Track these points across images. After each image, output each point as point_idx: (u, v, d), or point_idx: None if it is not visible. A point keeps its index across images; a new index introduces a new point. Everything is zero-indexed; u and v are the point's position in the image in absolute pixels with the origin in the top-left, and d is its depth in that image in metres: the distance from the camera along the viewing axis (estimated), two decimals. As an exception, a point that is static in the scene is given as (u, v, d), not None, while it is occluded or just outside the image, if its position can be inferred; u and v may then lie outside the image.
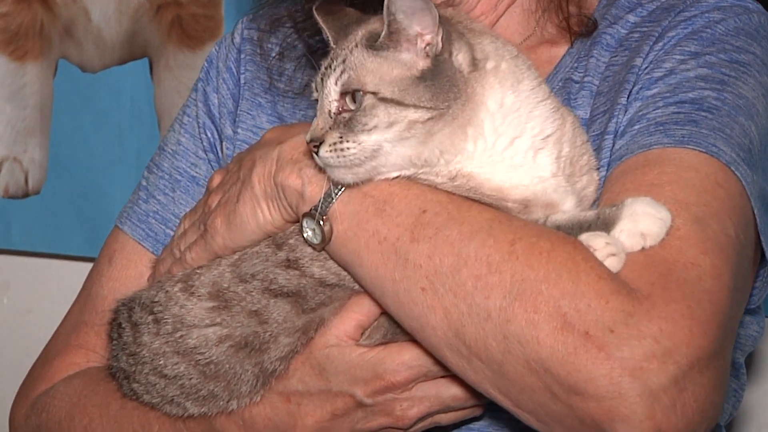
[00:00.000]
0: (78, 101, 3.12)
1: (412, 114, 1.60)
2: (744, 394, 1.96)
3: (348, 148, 1.60)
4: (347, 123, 1.60)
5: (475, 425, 1.77)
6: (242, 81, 2.07)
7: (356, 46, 1.64)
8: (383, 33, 1.61)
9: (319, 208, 1.65)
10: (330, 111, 1.62)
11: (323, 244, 1.66)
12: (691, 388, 1.47)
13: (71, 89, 3.13)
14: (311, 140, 1.61)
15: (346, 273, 1.68)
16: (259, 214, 1.72)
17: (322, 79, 1.65)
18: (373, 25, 1.67)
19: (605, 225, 1.59)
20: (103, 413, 1.86)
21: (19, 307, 3.27)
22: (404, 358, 1.66)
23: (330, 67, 1.64)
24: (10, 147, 3.15)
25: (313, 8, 1.72)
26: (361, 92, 1.61)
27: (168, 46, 3.07)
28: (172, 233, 1.98)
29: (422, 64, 1.62)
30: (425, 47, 1.62)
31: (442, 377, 1.67)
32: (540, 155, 1.66)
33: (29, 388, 2.03)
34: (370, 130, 1.60)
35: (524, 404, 1.54)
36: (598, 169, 1.74)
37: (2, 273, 3.29)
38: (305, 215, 1.66)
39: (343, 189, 1.64)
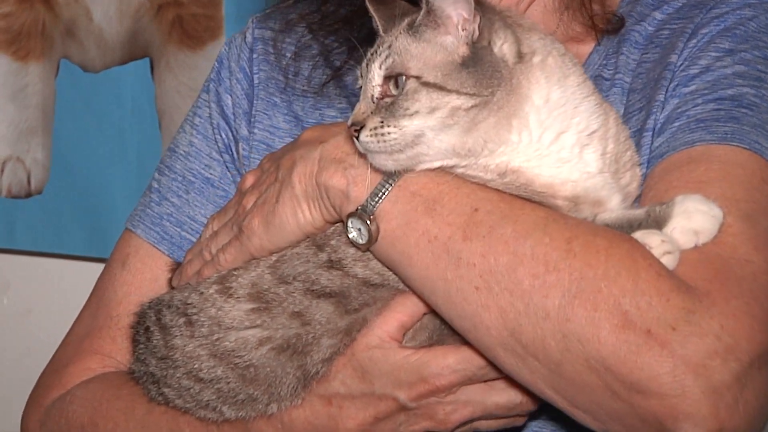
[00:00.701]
0: (79, 101, 3.13)
1: (455, 100, 1.59)
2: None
3: (389, 133, 1.58)
4: (389, 108, 1.59)
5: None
6: (256, 81, 2.05)
7: (401, 32, 1.63)
8: (421, 13, 1.61)
9: (366, 207, 1.62)
10: (373, 95, 1.61)
11: (369, 245, 1.64)
12: (752, 385, 1.48)
13: (73, 89, 3.13)
14: (352, 124, 1.60)
15: (390, 273, 1.66)
16: (299, 214, 1.70)
17: (367, 65, 1.63)
18: (418, 14, 1.66)
19: (656, 223, 1.59)
20: (128, 418, 1.83)
21: (20, 307, 3.28)
22: (449, 362, 1.64)
23: (376, 52, 1.63)
24: (12, 147, 3.16)
25: None
26: (404, 77, 1.60)
27: (169, 46, 3.08)
28: (187, 235, 1.97)
29: (462, 50, 1.61)
30: (464, 32, 1.61)
31: (486, 382, 1.65)
32: (586, 151, 1.66)
33: (42, 395, 1.98)
34: (412, 115, 1.59)
35: (582, 403, 1.53)
36: (639, 165, 1.74)
37: (3, 273, 3.30)
38: (350, 215, 1.64)
39: (391, 188, 1.62)
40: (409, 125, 1.59)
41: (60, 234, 3.16)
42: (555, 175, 1.63)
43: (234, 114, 2.05)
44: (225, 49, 2.11)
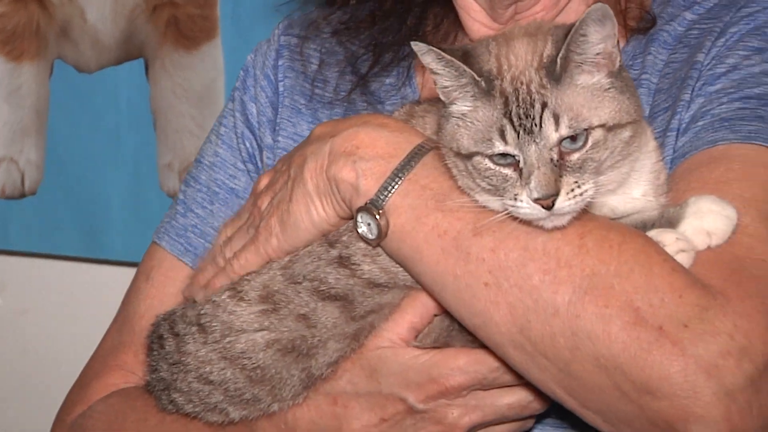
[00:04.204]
0: (74, 102, 3.12)
1: (628, 131, 1.54)
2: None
3: (586, 191, 1.50)
4: (577, 165, 1.51)
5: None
6: (281, 88, 2.03)
7: (543, 84, 1.52)
8: (560, 58, 1.52)
9: (376, 202, 1.59)
10: (553, 159, 1.50)
11: (379, 239, 1.61)
12: (766, 388, 1.45)
13: (67, 90, 3.12)
14: (546, 196, 1.49)
15: (397, 270, 1.63)
16: (312, 211, 1.66)
17: (518, 134, 1.51)
18: (543, 51, 1.56)
19: (669, 224, 1.57)
20: (141, 428, 1.81)
21: (15, 307, 3.27)
22: (460, 363, 1.61)
23: (524, 116, 1.51)
24: (6, 148, 3.15)
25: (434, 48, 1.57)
26: (587, 129, 1.52)
27: (164, 47, 3.07)
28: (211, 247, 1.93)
29: (609, 78, 1.54)
30: (608, 62, 1.54)
31: (497, 387, 1.63)
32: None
33: (66, 411, 1.96)
34: (602, 162, 1.52)
35: (591, 404, 1.50)
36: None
37: (-1, 273, 3.30)
38: (360, 209, 1.61)
39: (401, 181, 1.59)
40: (612, 172, 1.54)
41: (54, 234, 3.15)
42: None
43: (258, 122, 2.03)
44: (251, 57, 2.09)
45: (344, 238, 1.66)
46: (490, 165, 1.53)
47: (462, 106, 1.56)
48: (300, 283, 1.66)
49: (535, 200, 1.50)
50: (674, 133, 1.75)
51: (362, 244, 1.63)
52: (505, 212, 1.52)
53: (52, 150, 3.14)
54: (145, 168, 3.09)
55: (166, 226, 2.03)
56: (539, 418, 1.71)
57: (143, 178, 3.09)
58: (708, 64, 1.76)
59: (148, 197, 3.04)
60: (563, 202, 1.49)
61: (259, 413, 1.70)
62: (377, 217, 1.59)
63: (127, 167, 3.10)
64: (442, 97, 1.58)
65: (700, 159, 1.65)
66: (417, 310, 1.64)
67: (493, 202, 1.54)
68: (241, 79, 2.08)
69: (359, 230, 1.61)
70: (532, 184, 1.49)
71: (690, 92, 1.76)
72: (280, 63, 2.05)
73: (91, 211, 3.12)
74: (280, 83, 2.04)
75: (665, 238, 1.53)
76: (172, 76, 3.07)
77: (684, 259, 1.52)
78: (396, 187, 1.59)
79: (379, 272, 1.65)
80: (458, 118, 1.56)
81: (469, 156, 1.54)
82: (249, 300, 1.69)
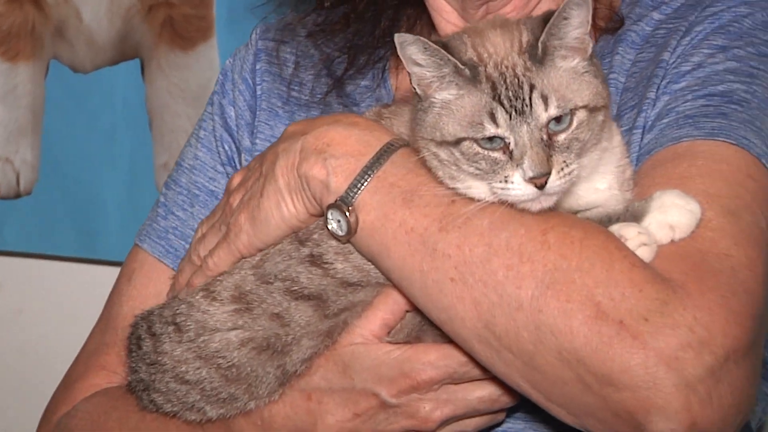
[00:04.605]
0: (69, 102, 3.12)
1: (602, 115, 1.58)
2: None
3: (573, 170, 1.55)
4: (564, 146, 1.54)
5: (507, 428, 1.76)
6: (259, 92, 2.06)
7: (528, 67, 1.56)
8: (542, 41, 1.55)
9: (345, 199, 1.62)
10: (543, 139, 1.54)
11: (349, 236, 1.63)
12: (727, 379, 1.46)
13: (63, 90, 3.12)
14: (541, 174, 1.53)
15: (369, 268, 1.65)
16: (283, 207, 1.69)
17: (510, 115, 1.54)
18: (521, 37, 1.59)
19: (634, 218, 1.59)
20: (122, 427, 1.84)
21: (11, 307, 3.27)
22: (430, 358, 1.63)
23: (514, 98, 1.54)
24: (1, 148, 3.15)
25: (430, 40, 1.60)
26: (572, 110, 1.55)
27: (159, 47, 3.07)
28: (192, 249, 1.96)
29: (584, 62, 1.58)
30: (585, 46, 1.58)
31: (468, 381, 1.65)
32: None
33: (51, 411, 1.99)
34: (585, 143, 1.56)
35: (556, 397, 1.53)
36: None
37: (-5, 273, 3.29)
38: (330, 206, 1.63)
39: (370, 179, 1.62)
40: (587, 156, 1.58)
41: (50, 235, 3.15)
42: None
43: (237, 125, 2.05)
44: (230, 61, 2.12)
45: (315, 236, 1.68)
46: (479, 149, 1.55)
47: (446, 94, 1.58)
48: (272, 283, 1.68)
49: (530, 179, 1.53)
50: (640, 131, 1.77)
51: (334, 242, 1.66)
52: (493, 197, 1.54)
53: (47, 150, 3.14)
54: (141, 168, 3.09)
55: (148, 228, 2.06)
56: (510, 412, 1.72)
57: (139, 179, 3.09)
58: (673, 62, 1.78)
59: (144, 197, 3.04)
60: (555, 181, 1.53)
61: (236, 411, 1.72)
62: (347, 214, 1.62)
63: (123, 167, 3.09)
64: (419, 91, 1.60)
65: (664, 155, 1.67)
66: (389, 306, 1.66)
67: (479, 188, 1.56)
68: (219, 83, 2.10)
69: (329, 227, 1.64)
70: (526, 164, 1.53)
71: (656, 90, 1.78)
72: (257, 67, 2.08)
73: (87, 211, 3.11)
74: (258, 86, 2.06)
75: (627, 232, 1.55)
76: (167, 76, 3.07)
77: (645, 253, 1.53)
78: (365, 184, 1.61)
79: (352, 271, 1.66)
80: (441, 107, 1.58)
81: (456, 142, 1.56)
82: (222, 300, 1.71)
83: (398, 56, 1.59)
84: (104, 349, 1.98)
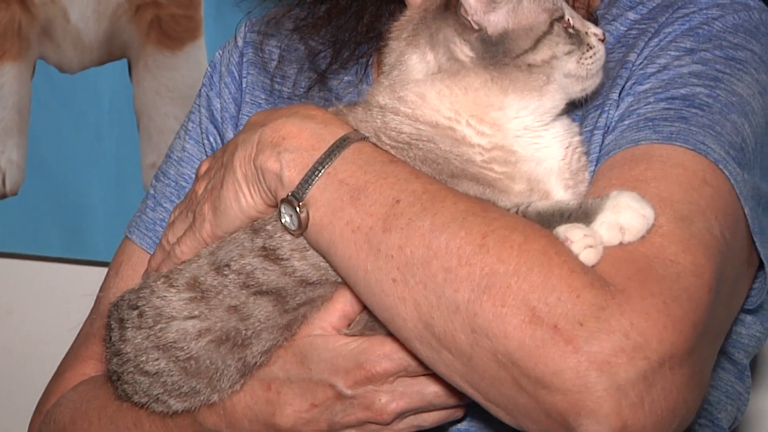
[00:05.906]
0: (56, 102, 3.12)
1: None
2: (750, 397, 1.92)
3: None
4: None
5: (461, 426, 1.75)
6: (244, 85, 2.06)
7: None
8: None
9: (297, 194, 1.62)
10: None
11: (300, 231, 1.63)
12: (660, 384, 1.45)
13: (49, 90, 3.12)
14: (602, 33, 1.72)
15: (326, 266, 1.65)
16: (241, 198, 1.69)
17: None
18: None
19: (586, 215, 1.57)
20: (101, 415, 1.85)
21: (1, 308, 3.27)
22: (386, 350, 1.63)
23: None
24: (-12, 148, 3.15)
25: None
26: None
27: (147, 47, 3.07)
28: (179, 241, 1.98)
29: None
30: None
31: (424, 375, 1.64)
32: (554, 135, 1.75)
33: (43, 402, 2.00)
34: None
35: (493, 398, 1.52)
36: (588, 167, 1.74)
37: (-19, 275, 3.29)
38: (283, 201, 1.63)
39: (321, 174, 1.62)
40: None
41: (36, 235, 3.15)
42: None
43: (222, 118, 2.06)
44: (218, 54, 2.13)
45: (269, 228, 1.68)
46: (562, 27, 1.69)
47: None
48: (226, 274, 1.68)
49: (600, 38, 1.69)
50: (601, 132, 1.76)
51: (288, 237, 1.66)
52: (585, 72, 1.69)
53: (33, 150, 3.13)
54: (128, 168, 3.09)
55: (137, 220, 2.07)
56: (471, 409, 1.72)
57: (126, 179, 3.09)
58: (639, 63, 1.77)
59: (131, 197, 3.03)
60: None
61: (200, 404, 1.72)
62: (297, 209, 1.62)
63: (109, 168, 3.09)
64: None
65: (622, 157, 1.65)
66: (347, 298, 1.66)
67: (569, 65, 1.69)
68: (208, 75, 2.11)
69: (283, 220, 1.64)
70: (592, 29, 1.69)
71: (619, 91, 1.77)
72: (244, 60, 2.08)
73: (74, 211, 3.11)
74: (244, 79, 2.07)
75: (573, 234, 1.53)
76: (155, 77, 3.07)
77: (591, 255, 1.52)
78: (315, 180, 1.62)
79: (309, 269, 1.66)
80: (517, 13, 1.70)
81: (549, 27, 1.68)
82: (177, 286, 1.71)
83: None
84: (92, 339, 1.99)
